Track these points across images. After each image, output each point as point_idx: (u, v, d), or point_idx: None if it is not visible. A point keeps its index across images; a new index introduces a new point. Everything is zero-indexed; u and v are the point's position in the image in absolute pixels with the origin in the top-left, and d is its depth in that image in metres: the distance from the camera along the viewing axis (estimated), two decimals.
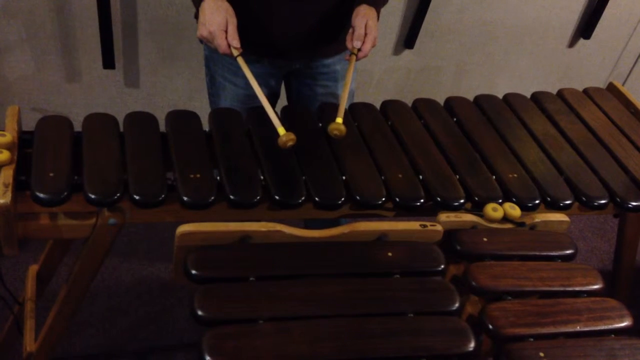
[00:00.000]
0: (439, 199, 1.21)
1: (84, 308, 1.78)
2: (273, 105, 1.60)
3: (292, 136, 1.18)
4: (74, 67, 2.15)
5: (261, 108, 1.51)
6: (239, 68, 1.47)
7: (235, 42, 1.24)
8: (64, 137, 1.16)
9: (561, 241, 1.20)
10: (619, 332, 1.06)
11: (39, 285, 1.47)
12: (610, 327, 1.07)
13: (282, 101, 1.60)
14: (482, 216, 1.20)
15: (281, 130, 1.17)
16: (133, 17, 2.07)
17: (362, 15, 1.31)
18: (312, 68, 1.52)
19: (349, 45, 1.32)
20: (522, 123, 1.49)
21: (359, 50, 1.31)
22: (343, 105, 1.26)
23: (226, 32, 1.24)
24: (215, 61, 1.50)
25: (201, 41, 1.54)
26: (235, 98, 1.51)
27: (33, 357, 1.35)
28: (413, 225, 1.13)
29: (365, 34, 1.30)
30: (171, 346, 1.78)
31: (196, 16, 1.53)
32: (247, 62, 1.45)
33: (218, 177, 1.15)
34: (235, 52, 1.25)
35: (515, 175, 1.30)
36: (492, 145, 1.39)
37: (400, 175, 1.24)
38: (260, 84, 1.51)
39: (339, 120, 1.23)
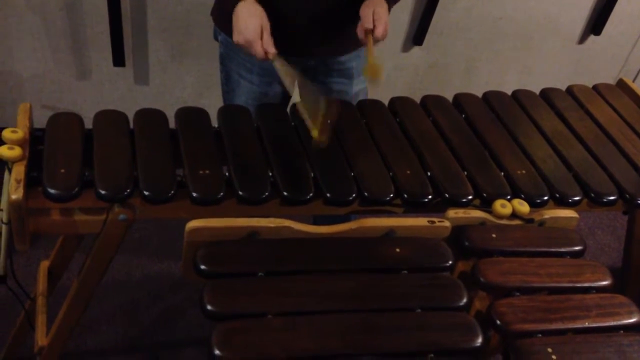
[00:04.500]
0: (447, 195, 1.21)
1: (95, 304, 1.79)
2: (286, 102, 1.60)
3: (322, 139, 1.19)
4: (85, 65, 2.16)
5: (270, 105, 1.52)
6: (253, 65, 1.48)
7: (271, 48, 1.26)
8: (74, 133, 1.17)
9: (570, 237, 1.20)
10: (627, 328, 1.06)
11: (50, 281, 1.48)
12: (619, 323, 1.06)
13: None
14: (490, 212, 1.20)
15: (315, 132, 1.18)
16: (143, 15, 2.08)
17: (371, 5, 1.33)
18: (327, 65, 1.52)
19: (359, 32, 1.35)
20: (531, 120, 1.48)
21: (374, 33, 1.32)
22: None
23: (262, 38, 1.26)
24: (230, 58, 1.51)
25: (216, 38, 1.55)
26: (250, 95, 1.52)
27: (44, 351, 1.36)
28: (421, 221, 1.13)
29: (375, 19, 1.32)
30: (181, 341, 1.79)
31: (212, 13, 1.54)
32: (261, 60, 1.46)
33: (227, 174, 1.16)
34: (271, 57, 1.27)
35: (524, 171, 1.30)
36: (500, 142, 1.38)
37: (408, 172, 1.24)
38: (274, 82, 1.51)
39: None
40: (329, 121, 1.22)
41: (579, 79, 2.69)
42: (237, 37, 1.27)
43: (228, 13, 1.31)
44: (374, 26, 1.32)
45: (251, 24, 1.25)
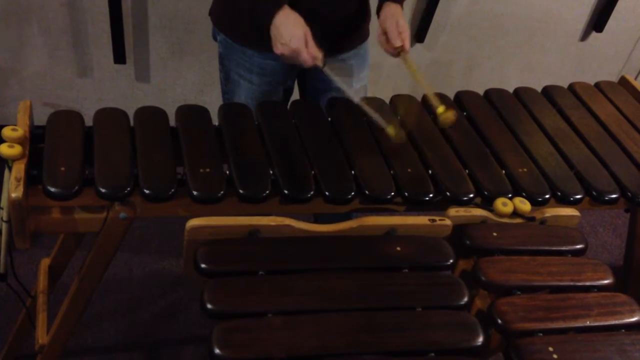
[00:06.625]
0: (448, 193, 1.21)
1: (96, 302, 1.79)
2: (287, 100, 1.60)
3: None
4: (85, 62, 2.16)
5: (271, 102, 1.51)
6: (253, 65, 1.48)
7: (318, 54, 1.27)
8: (75, 131, 1.17)
9: (571, 236, 1.20)
10: (629, 327, 1.06)
11: (51, 279, 1.48)
12: (620, 322, 1.06)
13: (295, 96, 1.60)
14: (491, 211, 1.20)
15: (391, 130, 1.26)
16: (143, 12, 2.08)
17: (391, 16, 1.34)
18: (328, 63, 1.51)
19: (386, 48, 1.37)
20: (533, 117, 1.48)
21: (403, 49, 1.37)
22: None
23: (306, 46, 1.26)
24: (230, 59, 1.50)
25: (215, 38, 1.54)
26: (250, 95, 1.51)
27: (45, 349, 1.36)
28: (422, 220, 1.12)
29: (400, 32, 1.35)
30: (181, 339, 1.79)
31: (211, 14, 1.53)
32: (263, 58, 1.45)
33: (228, 172, 1.15)
34: (320, 63, 1.27)
35: (526, 169, 1.30)
36: (502, 140, 1.38)
37: (409, 170, 1.24)
38: (273, 81, 1.51)
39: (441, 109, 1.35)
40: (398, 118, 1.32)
41: (581, 76, 2.69)
42: (282, 49, 1.26)
43: (247, 21, 1.32)
44: (402, 42, 1.36)
45: (296, 33, 1.24)
